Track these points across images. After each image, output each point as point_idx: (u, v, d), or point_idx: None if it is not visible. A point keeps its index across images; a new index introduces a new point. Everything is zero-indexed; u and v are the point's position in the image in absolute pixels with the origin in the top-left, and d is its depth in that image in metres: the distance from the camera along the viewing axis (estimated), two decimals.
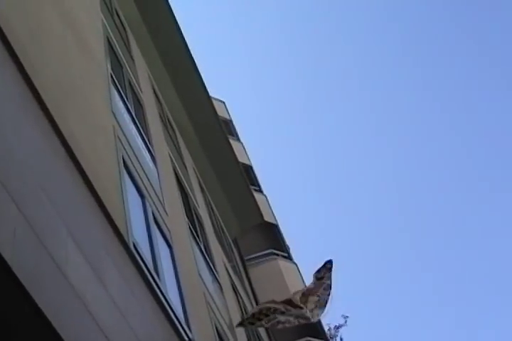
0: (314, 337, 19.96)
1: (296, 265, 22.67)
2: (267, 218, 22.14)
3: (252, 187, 22.24)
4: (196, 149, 18.03)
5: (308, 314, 13.52)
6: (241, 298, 15.47)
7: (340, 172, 69.08)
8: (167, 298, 7.15)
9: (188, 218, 11.94)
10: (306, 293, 14.03)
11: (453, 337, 59.06)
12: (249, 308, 16.20)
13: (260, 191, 24.92)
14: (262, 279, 20.52)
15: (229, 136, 21.81)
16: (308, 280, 22.67)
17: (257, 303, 19.15)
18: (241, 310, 14.80)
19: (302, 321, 13.62)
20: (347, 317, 30.38)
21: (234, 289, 14.77)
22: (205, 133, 18.44)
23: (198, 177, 17.07)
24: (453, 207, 64.66)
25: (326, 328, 24.58)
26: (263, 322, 13.44)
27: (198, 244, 11.90)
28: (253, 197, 20.47)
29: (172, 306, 7.26)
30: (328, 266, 14.18)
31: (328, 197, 68.10)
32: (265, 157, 64.87)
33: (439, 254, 64.98)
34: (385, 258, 64.64)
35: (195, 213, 13.35)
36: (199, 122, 18.19)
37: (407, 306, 63.85)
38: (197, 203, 14.20)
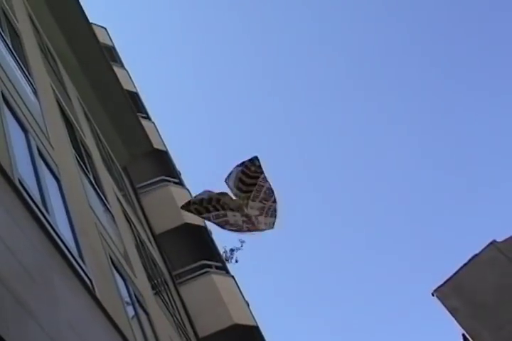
0: (209, 260, 20.30)
1: (188, 190, 22.80)
2: (156, 145, 22.05)
3: (139, 115, 22.03)
4: (79, 78, 17.62)
5: (256, 220, 11.77)
6: (134, 226, 15.52)
7: (227, 93, 68.94)
8: (57, 231, 7.10)
9: (74, 150, 11.77)
10: (243, 196, 11.89)
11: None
12: (143, 236, 16.29)
13: (148, 118, 24.69)
14: (154, 206, 20.60)
15: (112, 63, 21.40)
16: None
17: (151, 230, 19.28)
18: (135, 238, 14.87)
19: (250, 228, 11.79)
20: (243, 241, 30.93)
21: (126, 218, 14.78)
22: (87, 60, 18.00)
23: (82, 106, 16.75)
24: None
25: (221, 251, 25.02)
26: (211, 215, 11.49)
27: (86, 175, 11.78)
28: (140, 124, 20.30)
29: (63, 239, 7.22)
30: (256, 163, 11.67)
31: (217, 120, 68.22)
32: (153, 84, 63.96)
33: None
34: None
35: (82, 144, 13.16)
36: (80, 49, 17.72)
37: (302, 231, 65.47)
38: (83, 134, 13.99)
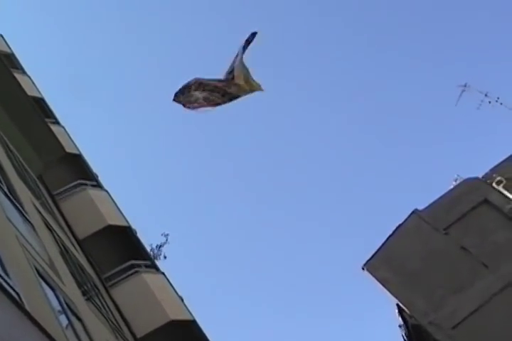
0: (138, 260, 20.15)
1: (107, 192, 22.56)
2: (69, 149, 21.72)
3: (47, 120, 21.64)
4: None
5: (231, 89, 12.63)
6: (57, 234, 15.26)
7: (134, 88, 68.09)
8: None
9: None
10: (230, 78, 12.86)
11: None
12: (66, 243, 16.05)
13: (57, 123, 24.28)
14: (75, 211, 20.32)
15: (13, 70, 20.93)
16: (123, 206, 22.48)
17: (74, 236, 19.01)
18: (59, 246, 14.63)
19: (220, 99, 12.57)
20: (167, 234, 30.82)
21: (47, 226, 14.52)
22: None
23: None
24: None
25: (148, 248, 24.89)
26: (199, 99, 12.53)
27: (0, 187, 11.52)
28: (50, 130, 19.94)
29: None
30: (249, 39, 12.55)
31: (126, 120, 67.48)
32: (60, 89, 62.63)
33: None
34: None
35: None
36: None
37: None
38: None
